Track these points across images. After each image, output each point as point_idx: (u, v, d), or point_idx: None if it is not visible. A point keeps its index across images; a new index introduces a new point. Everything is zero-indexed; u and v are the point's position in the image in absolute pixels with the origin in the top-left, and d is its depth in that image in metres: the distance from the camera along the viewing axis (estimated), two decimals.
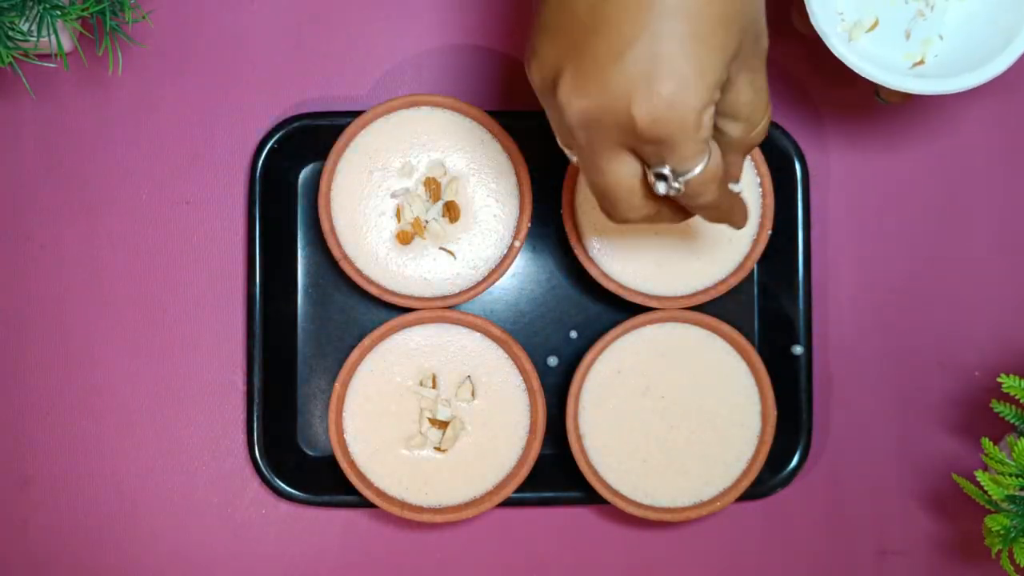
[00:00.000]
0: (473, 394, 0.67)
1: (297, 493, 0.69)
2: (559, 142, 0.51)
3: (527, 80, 0.73)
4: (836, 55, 0.62)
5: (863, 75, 0.62)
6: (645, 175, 0.48)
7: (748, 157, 0.67)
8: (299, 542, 0.72)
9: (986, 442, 0.62)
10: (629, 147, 0.47)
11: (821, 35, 0.62)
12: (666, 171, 0.47)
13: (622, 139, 0.46)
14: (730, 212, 0.53)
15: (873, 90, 0.66)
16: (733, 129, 0.50)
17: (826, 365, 0.72)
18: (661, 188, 0.48)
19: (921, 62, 0.64)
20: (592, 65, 0.45)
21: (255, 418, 0.69)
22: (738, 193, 0.53)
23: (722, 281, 0.68)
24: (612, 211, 0.50)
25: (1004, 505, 0.62)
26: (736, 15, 0.45)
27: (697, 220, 0.65)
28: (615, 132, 0.46)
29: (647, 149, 0.46)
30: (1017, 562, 0.62)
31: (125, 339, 0.71)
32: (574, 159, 0.51)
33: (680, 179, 0.47)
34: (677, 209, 0.51)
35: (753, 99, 0.49)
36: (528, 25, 0.72)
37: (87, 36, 0.66)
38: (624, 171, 0.48)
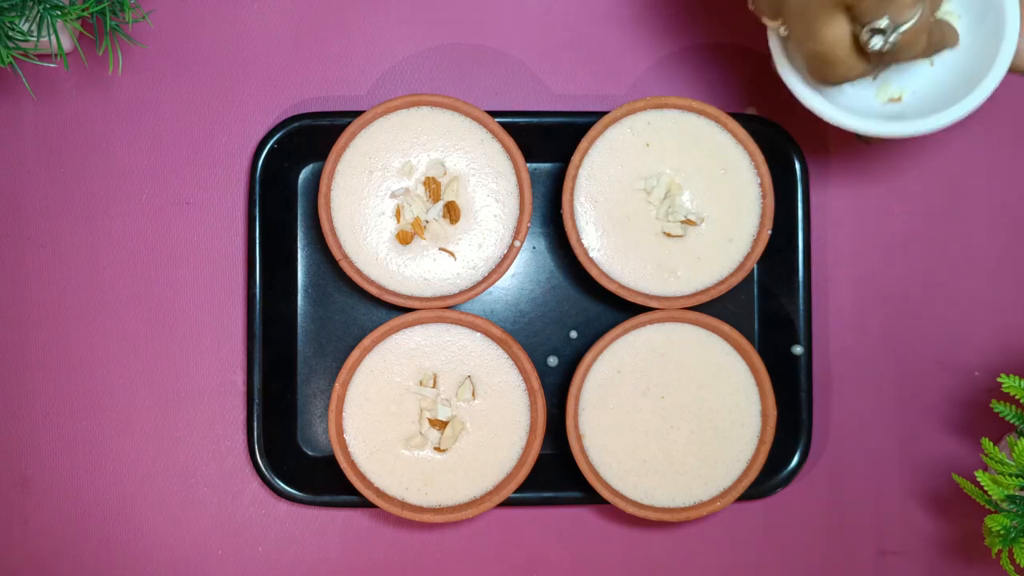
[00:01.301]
0: (473, 394, 0.67)
1: (297, 493, 0.69)
2: (763, 15, 0.53)
3: (527, 80, 0.73)
4: (808, 108, 0.62)
5: (839, 126, 0.62)
6: (855, 36, 0.50)
7: (748, 156, 0.68)
8: (299, 542, 0.72)
9: (986, 442, 0.62)
10: (845, 5, 0.49)
11: (787, 84, 0.62)
12: (883, 24, 0.49)
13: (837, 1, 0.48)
14: (942, 43, 0.55)
15: (853, 133, 0.66)
16: None
17: (826, 365, 0.72)
18: (876, 43, 0.49)
19: (899, 99, 0.64)
20: None
21: (255, 418, 0.69)
22: (942, 21, 0.55)
23: (722, 281, 0.68)
24: (830, 73, 0.53)
25: (1004, 505, 0.62)
26: None
27: (700, 215, 0.66)
28: None
29: (865, 5, 0.48)
30: (1017, 562, 0.62)
31: (125, 339, 0.71)
32: (781, 31, 0.53)
33: (897, 31, 0.49)
34: (887, 59, 0.53)
35: None
36: (527, 24, 0.72)
37: (87, 36, 0.66)
38: (840, 32, 0.50)
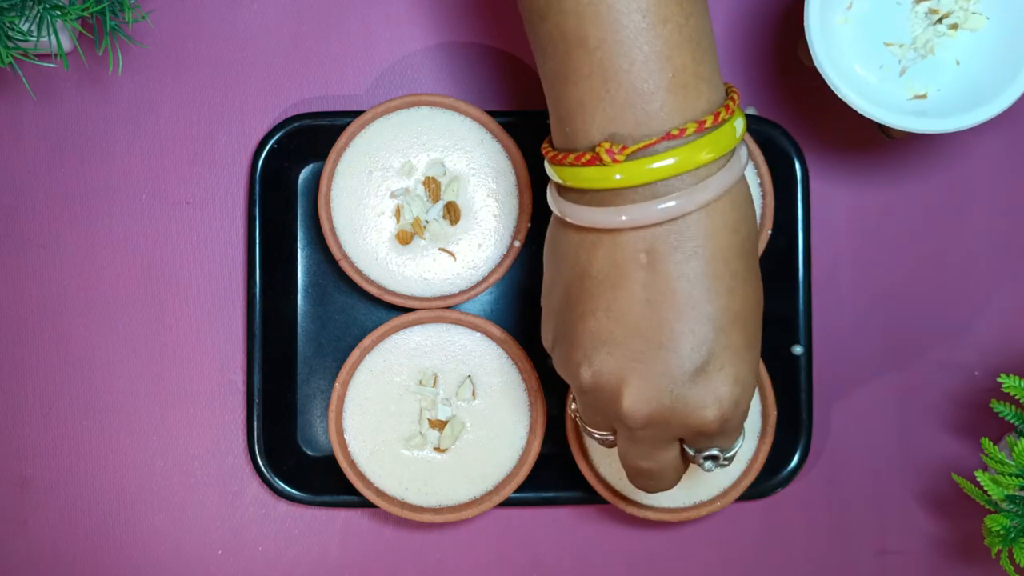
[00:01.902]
0: (473, 394, 0.67)
1: (297, 493, 0.69)
2: (586, 426, 0.55)
3: (527, 80, 0.73)
4: (839, 95, 0.62)
5: (866, 115, 0.62)
6: (683, 453, 0.54)
7: (748, 156, 0.67)
8: (299, 542, 0.72)
9: (986, 442, 0.62)
10: (685, 439, 0.52)
11: (822, 73, 0.62)
12: (716, 452, 0.53)
13: (683, 435, 0.51)
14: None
15: (878, 127, 0.66)
16: None
17: (826, 365, 0.72)
18: (709, 466, 0.53)
19: (924, 96, 0.64)
20: (662, 379, 0.49)
21: (255, 418, 0.69)
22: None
23: None
24: (652, 488, 0.55)
25: (1004, 505, 0.62)
26: (758, 321, 0.51)
27: None
28: (679, 431, 0.51)
29: (703, 440, 0.51)
30: (1017, 562, 0.62)
31: (125, 339, 0.71)
32: (598, 437, 0.55)
33: (726, 457, 0.53)
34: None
35: None
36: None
37: (87, 36, 0.66)
38: (673, 455, 0.53)
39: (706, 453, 0.53)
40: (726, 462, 0.54)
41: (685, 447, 0.54)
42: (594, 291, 0.50)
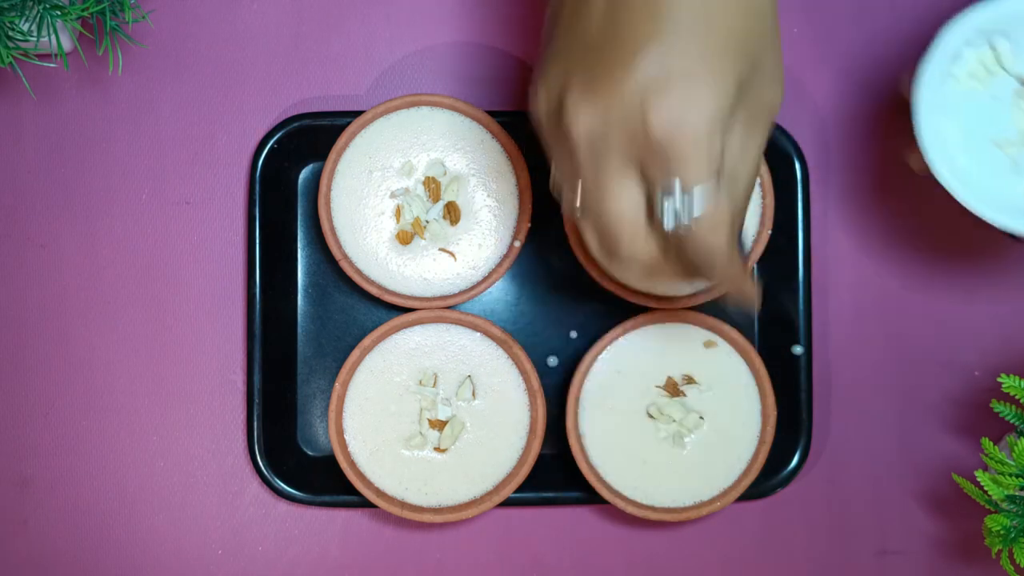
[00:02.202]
0: (473, 394, 0.67)
1: (297, 493, 0.69)
2: (554, 183, 0.50)
3: (527, 80, 0.73)
4: (958, 200, 0.59)
5: (984, 218, 0.60)
6: (650, 212, 0.46)
7: None
8: (299, 542, 0.72)
9: (986, 442, 0.62)
10: (637, 162, 0.45)
11: (948, 188, 0.60)
12: (675, 193, 0.45)
13: (631, 152, 0.45)
14: (740, 279, 0.49)
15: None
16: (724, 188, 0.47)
17: (826, 365, 0.72)
18: (667, 211, 0.45)
19: None
20: (603, 72, 0.44)
21: (255, 418, 0.69)
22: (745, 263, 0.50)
23: None
24: (615, 246, 0.48)
25: (1004, 505, 0.62)
26: (744, 49, 0.44)
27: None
28: (624, 143, 0.45)
29: (656, 164, 0.44)
30: (1017, 562, 0.62)
31: (125, 339, 0.71)
32: (568, 204, 0.49)
33: (690, 209, 0.45)
34: (682, 266, 0.48)
35: (738, 158, 0.46)
36: (527, 23, 0.72)
37: (87, 36, 0.66)
38: (629, 196, 0.46)
39: (664, 191, 0.45)
40: (684, 210, 0.45)
41: (655, 196, 0.46)
42: (562, 15, 0.47)
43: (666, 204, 0.45)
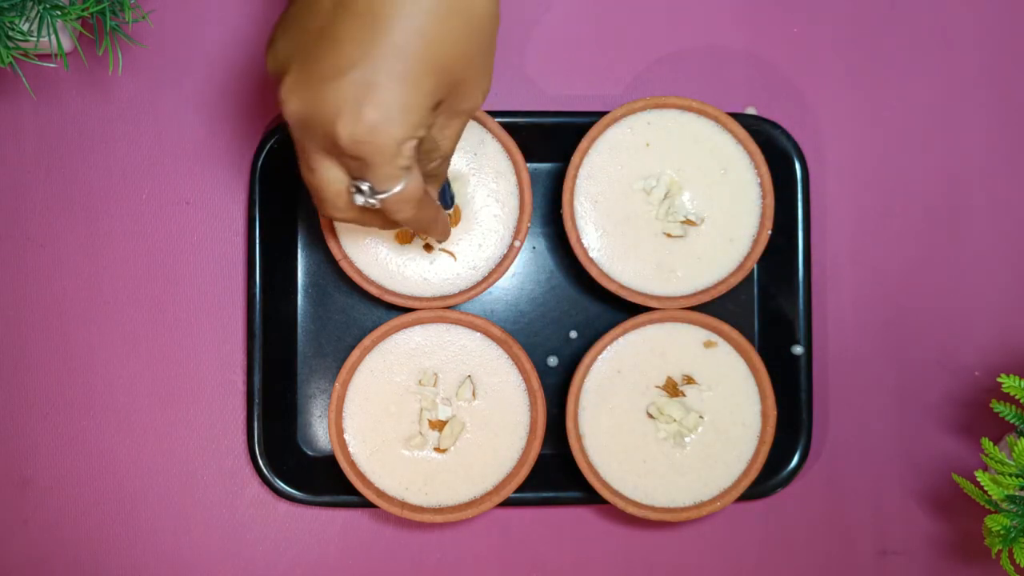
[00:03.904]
0: (473, 394, 0.67)
1: (297, 493, 0.69)
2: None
3: (525, 82, 0.73)
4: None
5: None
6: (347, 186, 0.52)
7: (748, 156, 0.68)
8: (299, 542, 0.72)
9: (986, 442, 0.62)
10: (334, 156, 0.50)
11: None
12: (364, 186, 0.51)
13: (328, 147, 0.50)
14: (430, 227, 0.57)
15: None
16: (423, 162, 0.54)
17: (826, 365, 0.72)
18: (358, 199, 0.52)
19: None
20: (313, 75, 0.48)
21: (255, 418, 0.69)
22: (440, 211, 0.58)
23: (722, 281, 0.68)
24: (319, 207, 0.54)
25: (1004, 505, 0.62)
26: (448, 71, 0.49)
27: (698, 216, 0.66)
28: (322, 140, 0.50)
29: (349, 163, 0.50)
30: (1017, 562, 0.62)
31: (125, 339, 0.71)
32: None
33: (376, 196, 0.51)
34: (382, 219, 0.55)
35: (437, 141, 0.53)
36: (526, 23, 0.72)
37: (87, 36, 0.66)
38: (330, 175, 0.52)
39: (354, 183, 0.52)
40: (374, 201, 0.52)
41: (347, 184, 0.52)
42: None
43: (357, 195, 0.52)
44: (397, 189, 0.51)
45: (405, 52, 0.48)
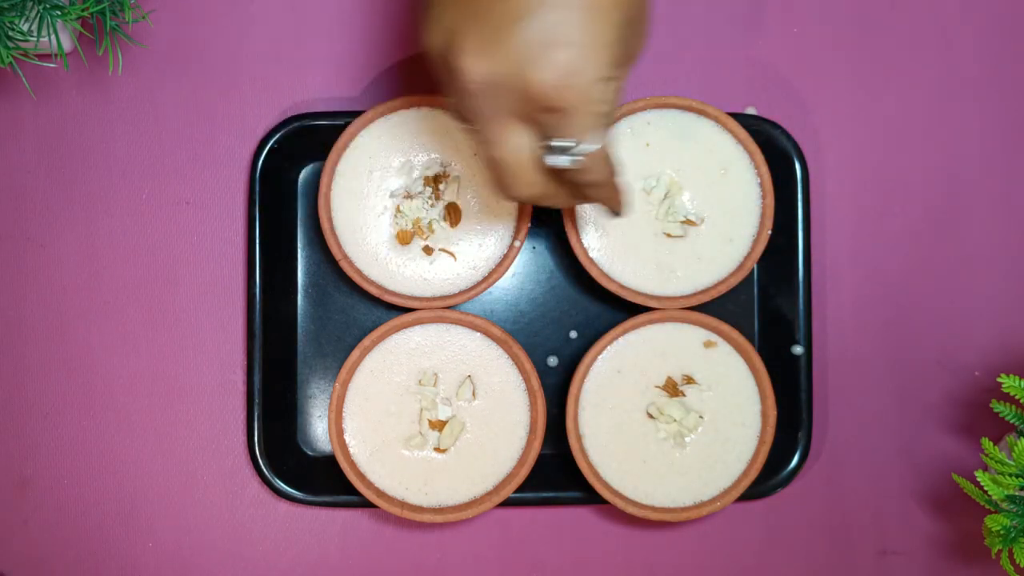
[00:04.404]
0: (473, 394, 0.67)
1: (297, 493, 0.69)
2: (455, 116, 0.51)
3: None
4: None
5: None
6: (538, 151, 0.49)
7: (748, 156, 0.68)
8: (299, 542, 0.72)
9: (986, 442, 0.62)
10: (526, 116, 0.47)
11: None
12: (562, 143, 0.48)
13: (519, 107, 0.47)
14: (616, 194, 0.54)
15: None
16: None
17: (826, 365, 0.72)
18: (554, 161, 0.48)
19: None
20: (492, 29, 0.46)
21: (255, 418, 0.69)
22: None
23: (722, 281, 0.68)
24: (506, 186, 0.51)
25: (1004, 505, 0.62)
26: (624, 7, 0.46)
27: (691, 216, 0.66)
28: (513, 99, 0.47)
29: (544, 118, 0.47)
30: (1017, 562, 0.62)
31: (125, 339, 0.71)
32: (469, 134, 0.51)
33: (576, 151, 0.48)
34: (569, 191, 0.52)
35: (611, 100, 0.50)
36: None
37: (87, 36, 0.66)
38: (518, 142, 0.49)
39: (553, 142, 0.48)
40: (572, 157, 0.49)
41: (540, 144, 0.49)
42: None
43: (550, 156, 0.49)
44: (597, 143, 0.48)
45: None
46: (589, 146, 0.48)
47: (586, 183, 0.51)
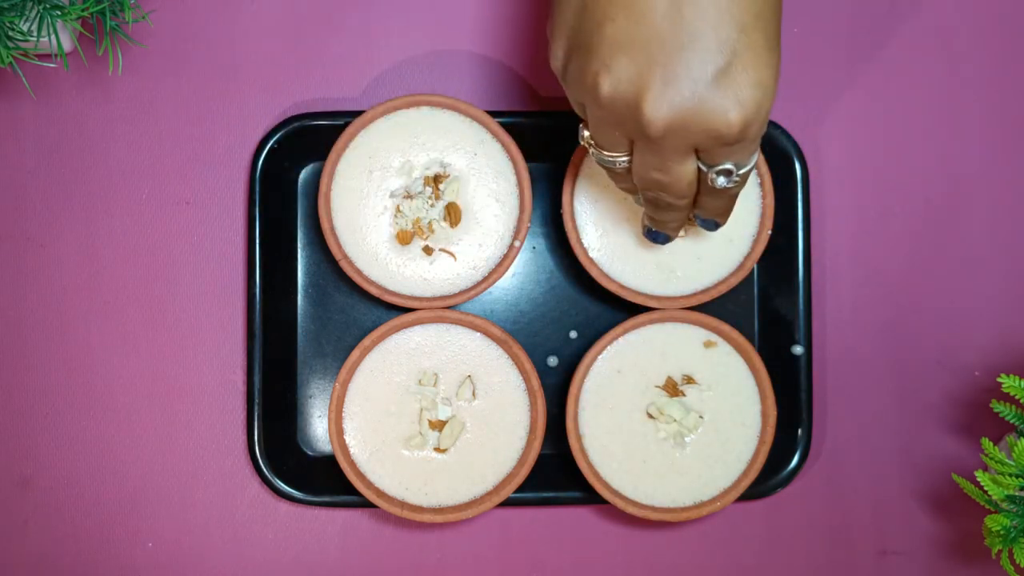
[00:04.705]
0: (473, 394, 0.67)
1: (297, 493, 0.69)
2: (599, 151, 0.54)
3: (526, 81, 0.73)
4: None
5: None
6: (699, 170, 0.53)
7: None
8: (299, 542, 0.72)
9: (986, 442, 0.62)
10: (703, 149, 0.51)
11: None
12: (728, 167, 0.52)
13: (702, 143, 0.50)
14: (730, 210, 0.58)
15: None
16: None
17: (825, 365, 0.72)
18: (722, 182, 0.52)
19: None
20: (684, 82, 0.48)
21: (255, 418, 0.69)
22: None
23: (722, 281, 0.68)
24: (666, 206, 0.55)
25: (1004, 505, 0.62)
26: (778, 35, 0.50)
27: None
28: (699, 138, 0.49)
29: (721, 151, 0.50)
30: (1017, 562, 0.62)
31: (125, 339, 0.71)
32: (608, 159, 0.54)
33: (738, 175, 0.52)
34: (713, 200, 0.56)
35: None
36: (526, 24, 0.72)
37: (87, 36, 0.66)
38: (689, 168, 0.52)
39: (719, 167, 0.52)
40: (739, 179, 0.53)
41: (700, 164, 0.52)
42: None
43: (722, 178, 0.53)
44: (753, 161, 0.52)
45: (760, 23, 0.48)
46: (748, 166, 0.52)
47: (720, 198, 0.55)
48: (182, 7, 0.71)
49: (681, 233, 0.68)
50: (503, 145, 0.67)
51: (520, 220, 0.67)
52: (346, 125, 0.67)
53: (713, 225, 0.60)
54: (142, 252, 0.71)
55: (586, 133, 0.55)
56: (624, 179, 0.56)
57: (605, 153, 0.54)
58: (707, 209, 0.57)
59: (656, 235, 0.62)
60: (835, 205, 0.73)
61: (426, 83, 0.72)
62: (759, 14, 0.48)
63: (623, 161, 0.54)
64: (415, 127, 0.67)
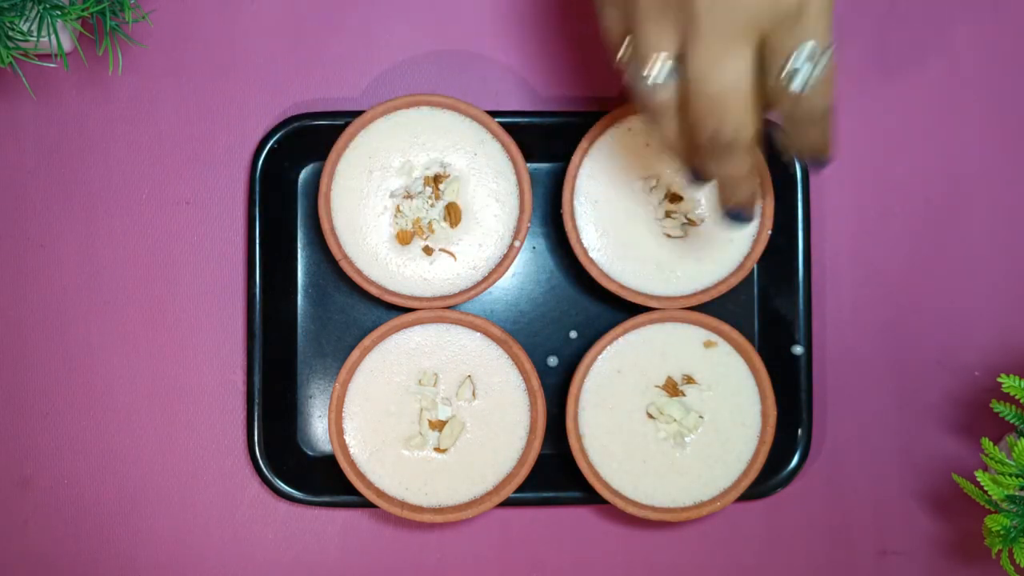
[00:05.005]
0: (473, 394, 0.67)
1: (297, 493, 0.69)
2: (636, 49, 0.48)
3: (526, 81, 0.73)
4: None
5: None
6: (755, 85, 0.47)
7: None
8: (299, 542, 0.72)
9: (986, 442, 0.62)
10: (759, 30, 0.45)
11: None
12: (804, 51, 0.45)
13: (758, 21, 0.45)
14: (829, 131, 0.50)
15: None
16: None
17: (825, 365, 0.72)
18: (799, 81, 0.46)
19: None
20: None
21: (255, 418, 0.69)
22: None
23: (722, 281, 0.68)
24: (720, 125, 0.47)
25: (1004, 505, 0.62)
26: None
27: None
28: (754, 9, 0.44)
29: (777, 31, 0.45)
30: (1017, 562, 0.62)
31: (125, 339, 0.71)
32: (657, 69, 0.48)
33: (816, 72, 0.45)
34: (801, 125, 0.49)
35: None
36: (525, 24, 0.72)
37: (87, 36, 0.66)
38: (743, 68, 0.46)
39: (790, 59, 0.46)
40: (817, 75, 0.46)
41: (769, 66, 0.46)
42: None
43: (796, 68, 0.46)
44: (829, 55, 0.45)
45: None
46: (827, 60, 0.45)
47: (807, 118, 0.48)
48: (182, 7, 0.71)
49: (681, 233, 0.68)
50: (503, 145, 0.67)
51: (520, 220, 0.67)
52: (346, 125, 0.67)
53: (818, 161, 0.51)
54: (142, 252, 0.71)
55: (625, 46, 0.49)
56: (669, 116, 0.49)
57: (649, 64, 0.48)
58: (800, 140, 0.49)
59: (736, 214, 0.55)
60: (835, 205, 0.73)
61: (426, 83, 0.72)
62: None
63: (669, 69, 0.47)
64: (415, 127, 0.67)
